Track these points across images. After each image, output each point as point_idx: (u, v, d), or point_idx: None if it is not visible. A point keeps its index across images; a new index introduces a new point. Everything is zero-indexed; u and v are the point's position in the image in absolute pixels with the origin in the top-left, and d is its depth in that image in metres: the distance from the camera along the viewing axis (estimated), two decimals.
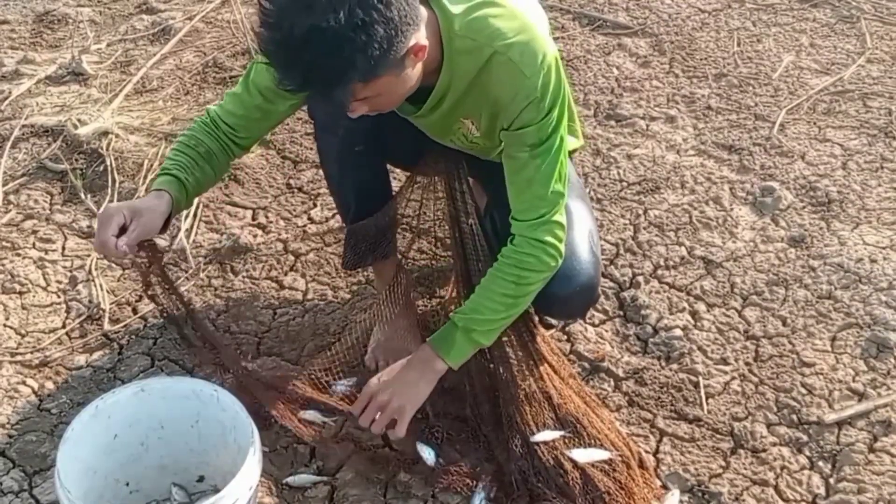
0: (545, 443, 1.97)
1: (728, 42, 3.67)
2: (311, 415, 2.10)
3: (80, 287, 2.50)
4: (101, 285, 2.49)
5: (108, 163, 2.92)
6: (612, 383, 2.26)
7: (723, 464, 2.07)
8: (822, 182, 2.90)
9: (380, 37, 1.51)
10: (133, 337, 2.35)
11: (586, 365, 2.30)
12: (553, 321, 2.38)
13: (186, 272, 2.55)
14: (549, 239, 1.87)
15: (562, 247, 1.90)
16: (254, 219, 2.77)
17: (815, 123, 3.19)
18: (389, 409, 1.88)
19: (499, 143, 1.92)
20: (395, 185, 2.29)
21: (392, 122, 1.95)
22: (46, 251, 2.63)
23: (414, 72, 1.68)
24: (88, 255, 2.60)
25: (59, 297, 2.48)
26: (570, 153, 2.25)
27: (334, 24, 1.47)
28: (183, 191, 1.91)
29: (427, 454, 1.98)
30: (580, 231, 2.05)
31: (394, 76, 1.62)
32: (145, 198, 1.91)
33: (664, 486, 2.01)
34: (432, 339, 1.92)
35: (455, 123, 1.94)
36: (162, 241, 1.97)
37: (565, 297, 2.01)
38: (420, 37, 1.62)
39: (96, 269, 2.55)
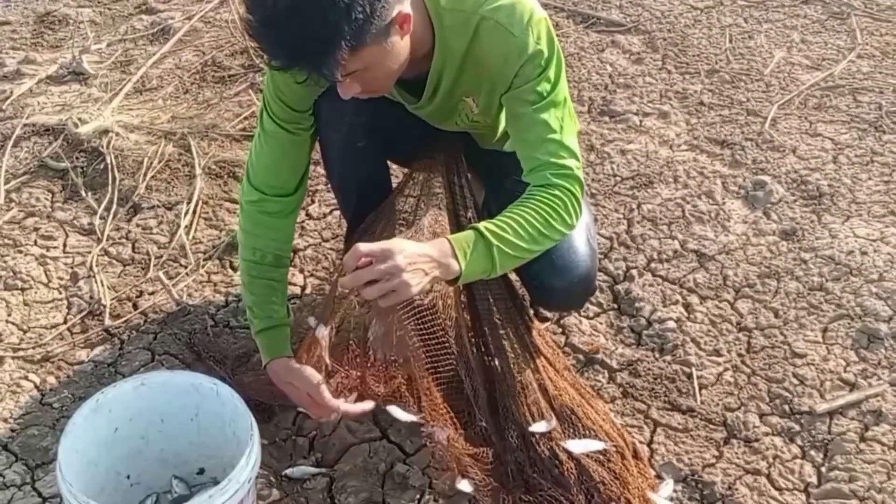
0: (541, 434, 1.98)
1: (720, 38, 3.69)
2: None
3: (81, 283, 2.52)
4: (101, 281, 2.51)
5: (109, 161, 2.95)
6: (607, 375, 2.28)
7: (716, 453, 2.09)
8: (813, 176, 2.93)
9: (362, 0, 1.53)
10: (134, 332, 2.37)
11: (581, 357, 2.32)
12: (549, 314, 2.40)
13: (186, 268, 2.57)
14: (575, 191, 1.80)
15: (580, 203, 1.83)
16: None
17: (806, 118, 3.22)
18: (395, 281, 1.63)
19: (497, 119, 1.91)
20: (394, 182, 2.31)
21: (394, 117, 1.97)
22: (48, 248, 2.64)
23: (402, 44, 1.68)
24: (89, 252, 2.62)
25: (60, 293, 2.50)
26: None
27: None
28: (286, 327, 2.02)
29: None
30: (578, 224, 2.07)
31: (380, 46, 1.62)
32: (289, 371, 1.96)
33: (658, 476, 2.03)
34: (454, 240, 1.72)
35: (459, 104, 1.94)
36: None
37: (564, 288, 2.03)
38: (404, 7, 1.63)
39: (97, 266, 2.57)
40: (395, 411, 1.99)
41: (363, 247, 1.64)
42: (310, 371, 1.92)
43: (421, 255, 1.66)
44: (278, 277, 2.05)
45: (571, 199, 1.78)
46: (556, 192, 1.77)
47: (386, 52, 1.64)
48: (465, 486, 1.91)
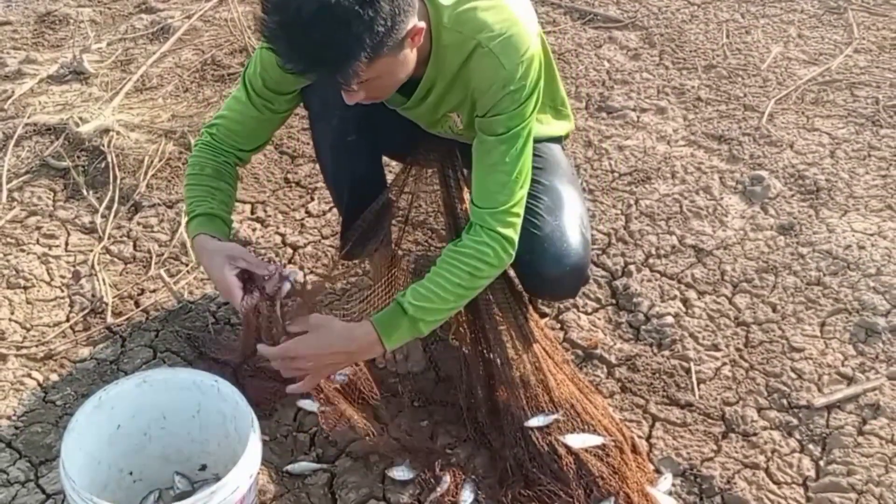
0: (539, 429, 1.99)
1: (717, 34, 3.70)
2: (307, 404, 2.13)
3: (83, 281, 2.53)
4: (103, 279, 2.52)
5: (110, 160, 2.96)
6: (605, 370, 2.29)
7: (714, 448, 2.09)
8: (810, 170, 2.93)
9: (385, 13, 1.54)
10: (135, 329, 2.38)
11: (579, 352, 2.33)
12: (546, 310, 2.41)
13: (187, 266, 2.59)
14: (508, 233, 1.87)
15: (517, 242, 1.89)
16: (252, 213, 2.81)
17: (803, 113, 3.22)
18: (310, 371, 1.90)
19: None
20: (390, 177, 2.32)
21: (386, 112, 1.98)
22: (50, 247, 2.66)
23: (411, 56, 1.71)
24: (91, 250, 2.64)
25: (62, 291, 2.51)
26: (563, 137, 2.29)
27: (343, 1, 1.50)
28: (222, 221, 2.00)
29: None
30: (571, 213, 2.08)
31: (394, 58, 1.65)
32: (209, 254, 1.93)
33: (657, 471, 2.04)
34: (378, 322, 1.86)
35: (442, 117, 1.97)
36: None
37: (556, 277, 2.04)
38: (416, 20, 1.65)
39: (99, 264, 2.58)
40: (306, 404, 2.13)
41: (271, 352, 1.88)
42: (237, 246, 1.95)
43: (332, 354, 1.88)
44: (217, 186, 2.03)
45: (502, 244, 1.87)
46: (485, 240, 1.85)
47: (398, 63, 1.68)
48: (466, 496, 1.93)
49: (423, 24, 1.67)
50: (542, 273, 2.02)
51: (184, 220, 2.73)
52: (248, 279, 1.90)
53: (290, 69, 1.59)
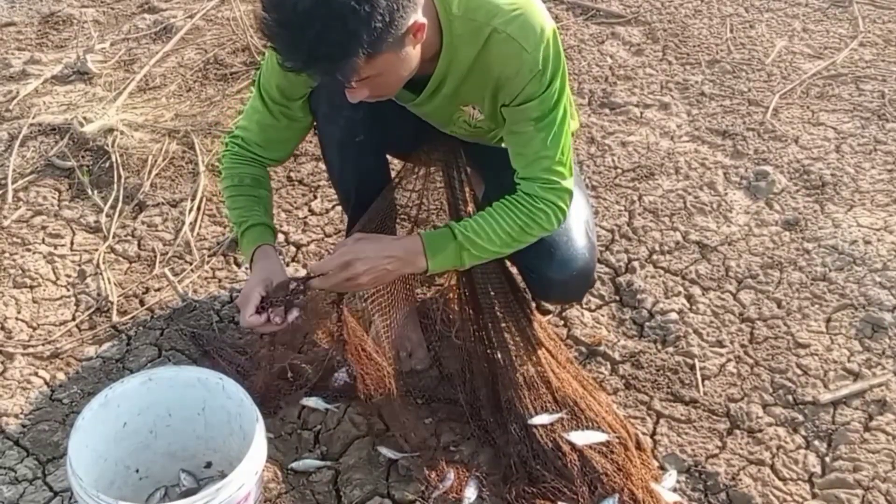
0: (543, 426, 2.00)
1: (721, 28, 3.69)
2: (313, 402, 2.14)
3: (88, 280, 2.54)
4: (108, 278, 2.53)
5: (114, 159, 2.97)
6: (609, 367, 2.29)
7: (719, 444, 2.09)
8: (815, 165, 2.93)
9: (382, 9, 1.53)
10: (141, 328, 2.39)
11: (583, 349, 2.33)
12: (550, 307, 2.41)
13: (191, 264, 2.59)
14: (561, 204, 1.89)
15: (567, 212, 1.92)
16: None
17: (808, 107, 3.21)
18: (355, 283, 1.86)
19: (501, 123, 1.93)
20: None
21: (392, 111, 1.97)
22: (55, 246, 2.67)
23: (414, 52, 1.69)
24: (96, 250, 2.65)
25: (68, 290, 2.52)
26: None
27: None
28: (271, 229, 2.05)
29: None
30: (576, 217, 2.08)
31: (395, 54, 1.63)
32: (263, 263, 1.98)
33: (661, 467, 2.04)
34: (426, 238, 1.88)
35: (455, 112, 1.96)
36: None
37: (562, 281, 2.04)
38: (419, 16, 1.64)
39: (104, 263, 2.59)
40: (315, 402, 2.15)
41: (327, 264, 1.84)
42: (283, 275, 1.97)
43: (384, 258, 1.85)
44: (259, 195, 2.07)
45: (556, 211, 1.89)
46: (541, 206, 1.87)
47: (400, 59, 1.66)
48: (470, 493, 1.93)
49: (425, 21, 1.66)
50: (548, 277, 2.02)
51: (184, 221, 2.73)
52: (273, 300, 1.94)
53: (289, 67, 1.59)
